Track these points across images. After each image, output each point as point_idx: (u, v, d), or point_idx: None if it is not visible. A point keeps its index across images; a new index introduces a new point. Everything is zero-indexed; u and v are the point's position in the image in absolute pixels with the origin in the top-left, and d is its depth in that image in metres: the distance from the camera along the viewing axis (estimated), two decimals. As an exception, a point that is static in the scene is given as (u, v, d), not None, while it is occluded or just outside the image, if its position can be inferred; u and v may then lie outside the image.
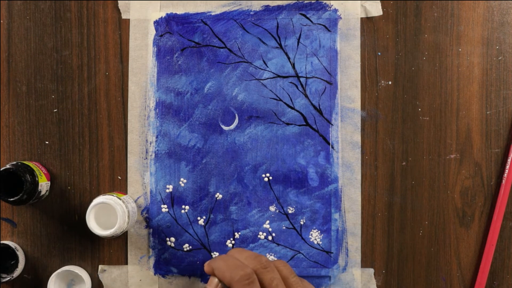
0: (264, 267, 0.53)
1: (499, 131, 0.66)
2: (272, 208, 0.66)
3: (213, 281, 0.53)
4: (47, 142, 0.67)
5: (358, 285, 0.66)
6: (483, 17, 0.66)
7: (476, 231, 0.66)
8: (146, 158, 0.67)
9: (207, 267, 0.54)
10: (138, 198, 0.67)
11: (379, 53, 0.66)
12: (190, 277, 0.67)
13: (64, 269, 0.64)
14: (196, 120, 0.66)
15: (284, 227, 0.66)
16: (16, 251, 0.65)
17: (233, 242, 0.66)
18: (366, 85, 0.66)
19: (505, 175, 0.65)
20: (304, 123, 0.66)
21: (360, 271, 0.66)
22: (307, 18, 0.66)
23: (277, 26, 0.67)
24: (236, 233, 0.66)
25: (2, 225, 0.67)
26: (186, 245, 0.66)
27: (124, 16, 0.67)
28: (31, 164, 0.64)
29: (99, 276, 0.67)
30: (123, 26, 0.67)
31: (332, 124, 0.66)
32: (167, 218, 0.66)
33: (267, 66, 0.66)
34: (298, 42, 0.66)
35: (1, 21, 0.67)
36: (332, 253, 0.66)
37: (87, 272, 0.66)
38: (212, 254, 0.66)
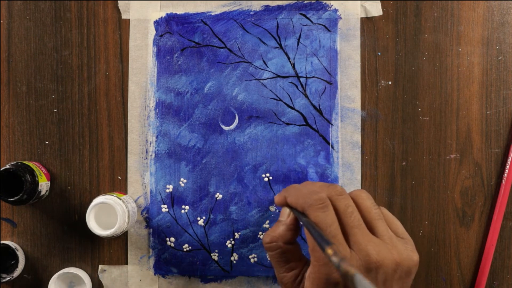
0: (339, 194, 0.50)
1: (499, 131, 0.66)
2: (272, 208, 0.66)
3: (285, 211, 0.52)
4: (47, 142, 0.67)
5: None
6: (483, 17, 0.66)
7: (476, 231, 0.66)
8: (146, 158, 0.67)
9: (278, 197, 0.53)
10: (138, 198, 0.67)
11: (379, 53, 0.66)
12: (190, 277, 0.67)
13: (64, 271, 0.64)
14: (196, 120, 0.66)
15: (284, 227, 0.66)
16: (16, 251, 0.65)
17: (233, 242, 0.66)
18: (366, 85, 0.66)
19: (505, 175, 0.65)
20: (304, 123, 0.66)
21: (360, 271, 0.66)
22: (307, 18, 0.66)
23: (277, 26, 0.67)
24: (236, 233, 0.66)
25: (2, 225, 0.67)
26: (186, 245, 0.66)
27: (124, 16, 0.67)
28: (31, 164, 0.64)
29: (99, 276, 0.67)
30: (123, 26, 0.67)
31: (332, 124, 0.66)
32: (167, 218, 0.66)
33: (267, 66, 0.66)
34: (298, 42, 0.66)
35: (1, 21, 0.67)
36: (332, 253, 0.66)
37: (87, 272, 0.66)
38: (211, 254, 0.66)
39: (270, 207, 0.66)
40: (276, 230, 0.54)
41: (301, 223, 0.51)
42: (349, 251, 0.48)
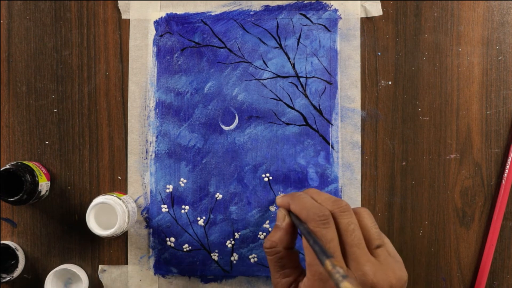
0: (343, 211, 0.50)
1: (499, 131, 0.66)
2: (272, 208, 0.66)
3: (281, 214, 0.53)
4: (47, 142, 0.67)
5: (358, 285, 0.66)
6: (483, 17, 0.66)
7: (476, 231, 0.66)
8: (146, 158, 0.67)
9: (281, 200, 0.54)
10: (138, 198, 0.67)
11: (379, 53, 0.66)
12: (190, 277, 0.67)
13: (62, 268, 0.65)
14: (196, 120, 0.66)
15: (284, 227, 0.66)
16: (16, 251, 0.65)
17: (233, 242, 0.66)
18: (366, 85, 0.66)
19: (505, 175, 0.65)
20: (304, 123, 0.66)
21: (360, 271, 0.66)
22: (307, 18, 0.66)
23: (277, 26, 0.67)
24: (236, 233, 0.66)
25: (2, 225, 0.67)
26: (186, 245, 0.66)
27: (124, 16, 0.67)
28: (31, 164, 0.64)
29: (99, 276, 0.67)
30: (123, 26, 0.67)
31: (332, 124, 0.66)
32: (167, 218, 0.66)
33: (267, 66, 0.66)
34: (298, 42, 0.66)
35: (1, 21, 0.67)
36: (332, 253, 0.66)
37: (86, 271, 0.67)
38: (211, 254, 0.66)
39: (270, 207, 0.66)
40: (275, 235, 0.54)
41: (299, 231, 0.52)
42: (346, 269, 0.48)
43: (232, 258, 0.66)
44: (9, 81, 0.67)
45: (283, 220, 0.54)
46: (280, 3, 0.67)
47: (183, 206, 0.66)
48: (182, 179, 0.66)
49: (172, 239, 0.66)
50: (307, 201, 0.52)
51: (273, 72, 0.66)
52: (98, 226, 0.61)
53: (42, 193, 0.65)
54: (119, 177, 0.67)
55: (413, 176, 0.66)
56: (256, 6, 0.67)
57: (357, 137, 0.66)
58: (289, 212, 0.55)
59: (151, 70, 0.67)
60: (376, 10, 0.66)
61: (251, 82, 0.66)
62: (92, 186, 0.67)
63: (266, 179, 0.66)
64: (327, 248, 0.48)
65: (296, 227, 0.54)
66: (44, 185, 0.65)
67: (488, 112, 0.66)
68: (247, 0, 0.67)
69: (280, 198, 0.56)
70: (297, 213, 0.51)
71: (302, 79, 0.66)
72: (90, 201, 0.64)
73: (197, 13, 0.67)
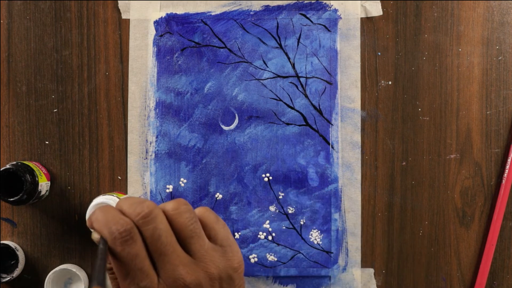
0: (143, 217, 0.43)
1: (499, 131, 0.66)
2: (272, 208, 0.66)
3: (94, 236, 0.45)
4: (47, 142, 0.67)
5: (358, 285, 0.66)
6: (483, 17, 0.66)
7: (476, 231, 0.66)
8: (146, 158, 0.67)
9: (88, 221, 0.45)
10: (138, 198, 0.66)
11: (379, 53, 0.66)
12: (190, 277, 0.66)
13: (62, 268, 0.64)
14: (196, 120, 0.66)
15: (284, 227, 0.66)
16: (16, 251, 0.65)
17: (233, 242, 0.66)
18: (366, 85, 0.66)
19: (505, 175, 0.65)
20: (304, 123, 0.66)
21: (360, 271, 0.66)
22: (307, 18, 0.66)
23: (277, 26, 0.67)
24: (236, 233, 0.66)
25: (2, 225, 0.67)
26: (186, 245, 0.66)
27: (124, 16, 0.67)
28: (31, 164, 0.64)
29: (99, 276, 0.66)
30: (123, 26, 0.67)
31: (332, 124, 0.66)
32: (167, 218, 0.66)
33: (267, 66, 0.66)
34: (298, 42, 0.66)
35: (1, 21, 0.67)
36: (332, 253, 0.66)
37: (86, 271, 0.66)
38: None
39: (270, 207, 0.66)
40: None
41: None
42: (156, 282, 0.43)
43: (232, 258, 0.66)
44: (9, 81, 0.67)
45: (97, 242, 0.46)
46: (280, 3, 0.67)
47: (183, 206, 0.66)
48: (182, 179, 0.66)
49: (172, 239, 0.66)
50: (109, 214, 0.44)
51: (273, 72, 0.66)
52: (98, 226, 0.61)
53: (42, 193, 0.65)
54: (119, 177, 0.67)
55: (413, 176, 0.66)
56: (256, 6, 0.67)
57: (357, 137, 0.66)
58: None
59: (151, 70, 0.67)
60: (376, 10, 0.66)
61: (251, 82, 0.66)
62: (92, 186, 0.67)
63: (266, 179, 0.66)
64: (133, 266, 0.43)
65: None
66: (44, 185, 0.65)
67: (488, 112, 0.66)
68: (247, 0, 0.67)
69: (88, 219, 0.47)
70: (98, 231, 0.44)
71: (302, 79, 0.66)
72: (90, 201, 0.64)
73: (197, 13, 0.67)
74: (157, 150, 0.66)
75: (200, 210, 0.47)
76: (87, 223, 0.50)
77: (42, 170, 0.65)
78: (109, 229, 0.43)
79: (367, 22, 0.67)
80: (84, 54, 0.67)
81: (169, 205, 0.46)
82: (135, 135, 0.67)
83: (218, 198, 0.66)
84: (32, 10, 0.67)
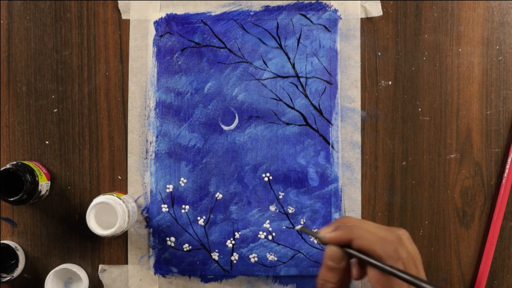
0: (400, 243, 0.46)
1: (499, 131, 0.66)
2: (272, 208, 0.66)
3: (335, 254, 0.46)
4: (47, 142, 0.67)
5: (358, 285, 0.66)
6: (483, 17, 0.66)
7: (476, 231, 0.66)
8: (146, 158, 0.67)
9: (333, 234, 0.46)
10: (138, 198, 0.67)
11: (379, 53, 0.66)
12: (190, 277, 0.67)
13: (62, 267, 0.64)
14: (196, 120, 0.66)
15: (284, 227, 0.66)
16: (16, 251, 0.65)
17: (233, 242, 0.66)
18: (366, 85, 0.66)
19: (505, 175, 0.65)
20: (304, 123, 0.66)
21: (360, 271, 0.66)
22: (307, 18, 0.66)
23: (277, 26, 0.67)
24: (236, 233, 0.66)
25: (2, 225, 0.67)
26: (186, 245, 0.66)
27: (124, 17, 0.67)
28: (31, 164, 0.64)
29: (99, 275, 0.67)
30: (123, 26, 0.67)
31: (332, 124, 0.66)
32: (167, 218, 0.66)
33: (267, 66, 0.66)
34: (298, 42, 0.66)
35: (1, 21, 0.67)
36: (332, 253, 0.66)
37: (86, 271, 0.66)
38: (211, 254, 0.66)
39: (270, 206, 0.66)
40: (331, 276, 0.48)
41: (385, 270, 0.45)
42: None
43: (232, 258, 0.66)
44: (9, 81, 0.67)
45: (340, 260, 0.47)
46: (280, 3, 0.67)
47: (183, 206, 0.66)
48: (182, 179, 0.66)
49: (172, 238, 0.66)
50: (373, 232, 0.46)
51: (273, 72, 0.66)
52: (98, 226, 0.61)
53: (42, 193, 0.65)
54: (119, 177, 0.67)
55: (413, 176, 0.66)
56: (256, 6, 0.67)
57: (357, 137, 0.66)
58: (344, 246, 0.48)
59: (151, 70, 0.67)
60: (376, 10, 0.66)
61: (251, 82, 0.66)
62: (92, 186, 0.67)
63: (266, 179, 0.66)
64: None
65: (363, 262, 0.47)
66: (44, 185, 0.65)
67: (488, 112, 0.66)
68: (247, 0, 0.67)
69: (329, 233, 0.47)
70: (367, 249, 0.45)
71: (302, 79, 0.66)
72: (90, 201, 0.63)
73: (197, 13, 0.67)
74: (157, 150, 0.66)
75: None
76: (329, 238, 0.47)
77: (42, 170, 0.65)
78: (383, 246, 0.45)
79: (367, 22, 0.67)
80: (84, 54, 0.67)
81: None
82: (135, 135, 0.67)
83: (218, 198, 0.66)
84: (32, 10, 0.67)
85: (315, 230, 0.59)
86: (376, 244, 0.45)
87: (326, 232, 0.47)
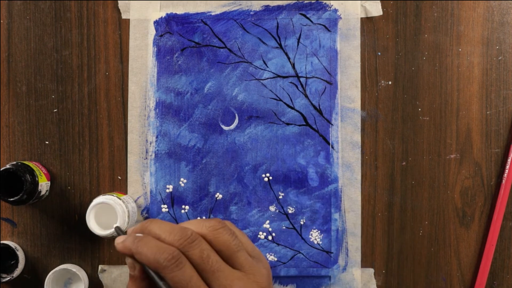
0: (191, 241, 0.45)
1: (499, 131, 0.66)
2: (272, 208, 0.66)
3: (128, 260, 0.46)
4: (47, 142, 0.67)
5: (358, 285, 0.66)
6: (483, 17, 0.66)
7: (476, 231, 0.66)
8: (146, 158, 0.67)
9: (121, 246, 0.46)
10: (138, 198, 0.67)
11: (379, 53, 0.66)
12: (190, 277, 0.66)
13: (62, 268, 0.65)
14: (196, 120, 0.66)
15: (284, 227, 0.66)
16: (16, 251, 0.65)
17: (233, 242, 0.66)
18: (366, 85, 0.66)
19: (505, 175, 0.65)
20: (304, 123, 0.66)
21: (360, 271, 0.66)
22: (307, 18, 0.66)
23: (277, 26, 0.67)
24: (236, 233, 0.66)
25: (2, 225, 0.67)
26: (186, 245, 0.66)
27: (124, 16, 0.67)
28: (31, 164, 0.64)
29: (99, 276, 0.67)
30: (123, 26, 0.67)
31: (332, 124, 0.66)
32: (167, 218, 0.66)
33: (267, 66, 0.66)
34: (298, 42, 0.66)
35: (1, 21, 0.67)
36: (332, 253, 0.66)
37: (86, 271, 0.66)
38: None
39: (270, 207, 0.66)
40: (131, 285, 0.47)
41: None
42: None
43: (232, 258, 0.66)
44: (9, 81, 0.67)
45: (133, 268, 0.46)
46: (280, 3, 0.67)
47: (183, 206, 0.66)
48: (182, 179, 0.66)
49: (172, 239, 0.66)
50: (151, 246, 0.45)
51: (273, 72, 0.66)
52: (98, 226, 0.61)
53: (42, 193, 0.65)
54: (119, 177, 0.67)
55: (413, 176, 0.66)
56: (256, 6, 0.67)
57: (357, 137, 0.66)
58: (143, 265, 0.47)
59: (151, 70, 0.67)
60: (376, 10, 0.66)
61: (251, 82, 0.66)
62: (92, 186, 0.67)
63: (266, 179, 0.66)
64: (190, 287, 0.43)
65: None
66: (44, 185, 0.65)
67: (488, 112, 0.66)
68: (247, 0, 0.67)
69: (120, 244, 0.47)
70: (145, 263, 0.45)
71: (302, 79, 0.66)
72: (90, 201, 0.63)
73: (197, 13, 0.67)
74: (157, 150, 0.66)
75: (224, 223, 0.47)
76: (120, 248, 0.47)
77: (42, 170, 0.65)
78: (157, 260, 0.44)
79: (367, 22, 0.67)
80: (84, 54, 0.67)
81: (206, 226, 0.47)
82: (135, 135, 0.67)
83: (218, 198, 0.66)
84: (32, 10, 0.67)
85: (125, 230, 0.60)
86: (149, 257, 0.44)
87: (117, 242, 0.47)
